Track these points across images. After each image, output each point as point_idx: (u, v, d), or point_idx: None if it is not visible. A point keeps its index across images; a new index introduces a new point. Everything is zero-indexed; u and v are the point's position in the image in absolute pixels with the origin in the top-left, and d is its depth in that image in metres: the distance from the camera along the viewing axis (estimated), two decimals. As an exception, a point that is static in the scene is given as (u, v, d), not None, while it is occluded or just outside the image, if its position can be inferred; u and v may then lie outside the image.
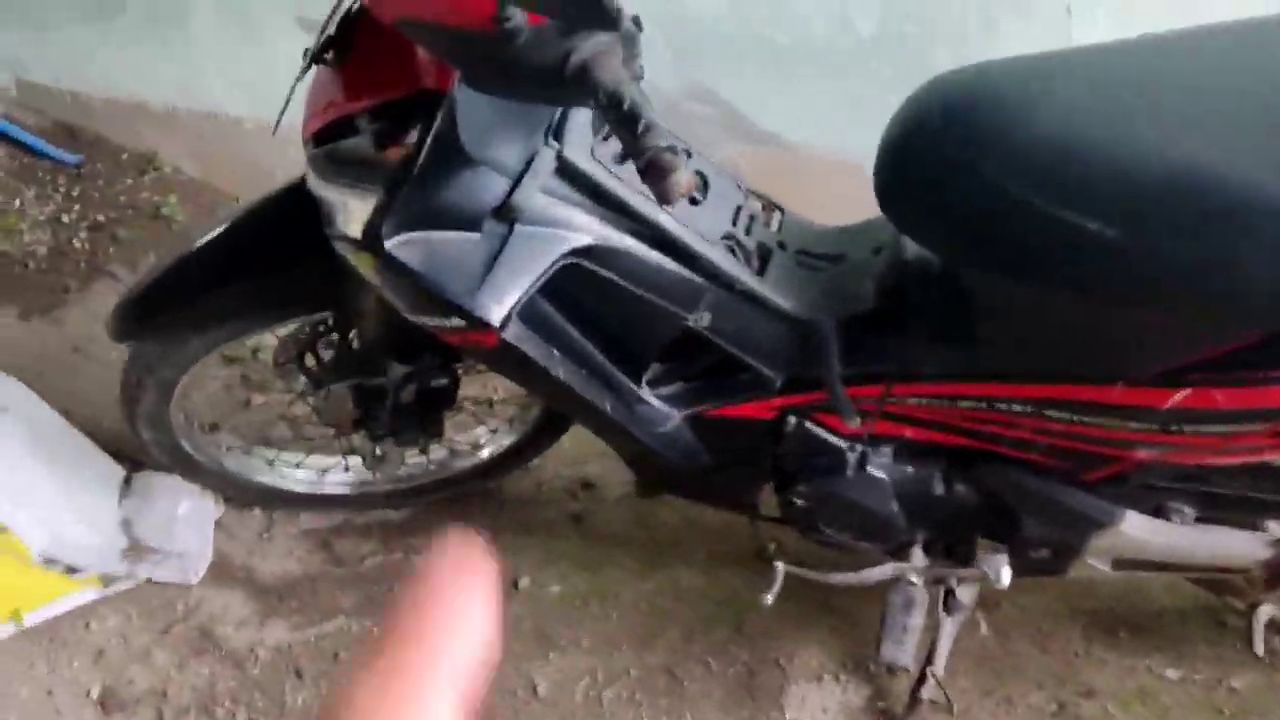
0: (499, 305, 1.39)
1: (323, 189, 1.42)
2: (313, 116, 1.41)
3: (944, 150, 1.25)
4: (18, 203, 2.69)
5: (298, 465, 2.12)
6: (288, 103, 1.37)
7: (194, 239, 1.68)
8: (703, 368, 1.60)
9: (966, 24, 2.18)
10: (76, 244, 2.64)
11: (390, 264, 1.37)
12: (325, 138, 1.41)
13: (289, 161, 2.83)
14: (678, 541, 2.10)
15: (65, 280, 2.56)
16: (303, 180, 1.62)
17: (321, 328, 1.76)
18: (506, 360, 1.48)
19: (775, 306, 1.48)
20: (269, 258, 1.63)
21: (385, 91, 1.31)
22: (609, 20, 0.90)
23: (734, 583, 2.01)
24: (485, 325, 1.39)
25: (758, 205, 1.54)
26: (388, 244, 1.35)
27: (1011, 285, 1.31)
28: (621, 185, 1.40)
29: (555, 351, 1.50)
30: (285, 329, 1.79)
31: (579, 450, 2.20)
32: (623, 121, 1.05)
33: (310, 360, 1.85)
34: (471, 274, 1.39)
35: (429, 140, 1.26)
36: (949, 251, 1.35)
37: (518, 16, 1.06)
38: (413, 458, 2.06)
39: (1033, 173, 1.19)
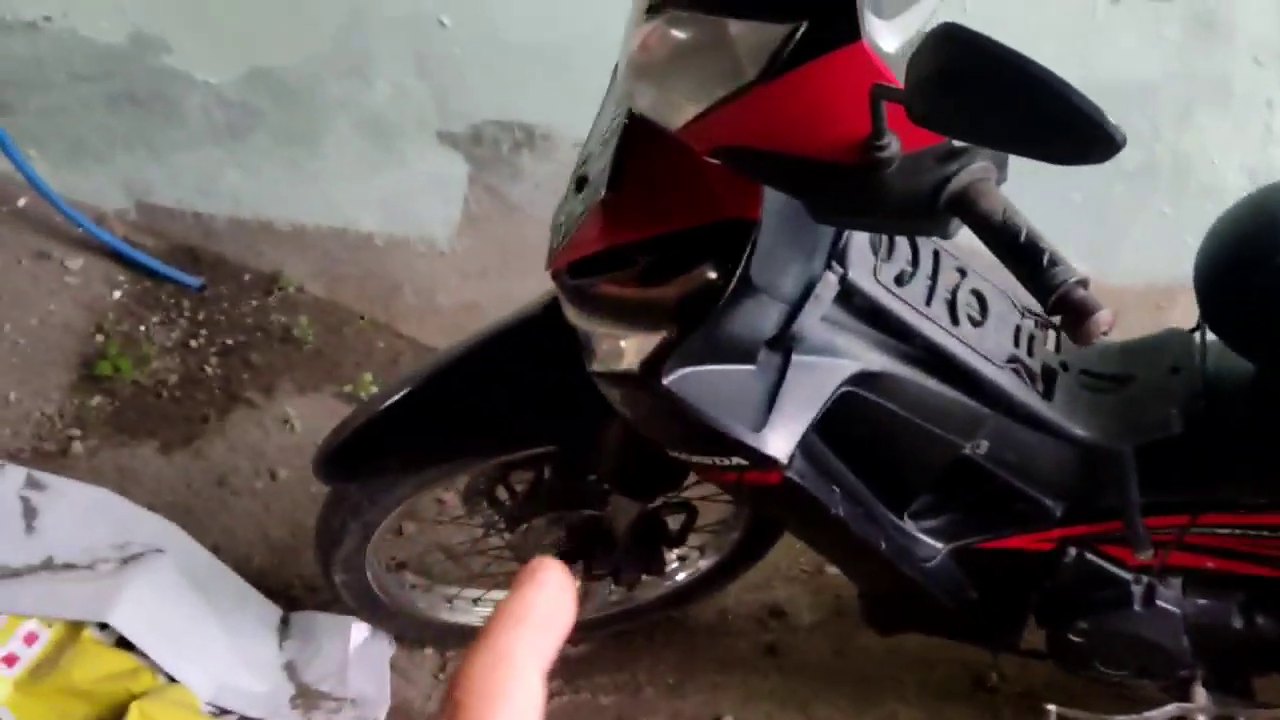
0: (784, 441, 1.29)
1: (587, 323, 1.32)
2: (571, 246, 1.31)
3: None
4: (143, 329, 2.60)
5: (476, 601, 2.00)
6: (567, 236, 1.27)
7: (408, 376, 1.59)
8: (974, 498, 1.48)
9: (1160, 116, 2.10)
10: (208, 370, 2.54)
11: (668, 401, 1.26)
12: (582, 268, 1.32)
13: (417, 275, 2.77)
14: (884, 673, 1.97)
15: (202, 409, 2.46)
16: (527, 312, 1.53)
17: (542, 463, 1.65)
18: (784, 499, 1.38)
19: (1066, 433, 1.37)
20: (499, 394, 1.53)
21: (674, 221, 1.21)
22: (1107, 147, 0.80)
23: (957, 718, 1.88)
24: (770, 463, 1.28)
25: (1033, 323, 1.45)
26: (666, 380, 1.25)
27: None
28: (907, 309, 1.30)
29: (835, 489, 1.39)
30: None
31: (761, 573, 2.08)
32: (1020, 254, 0.95)
33: (503, 493, 1.74)
34: (754, 409, 1.29)
35: (739, 273, 1.17)
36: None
37: (893, 144, 0.96)
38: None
39: None
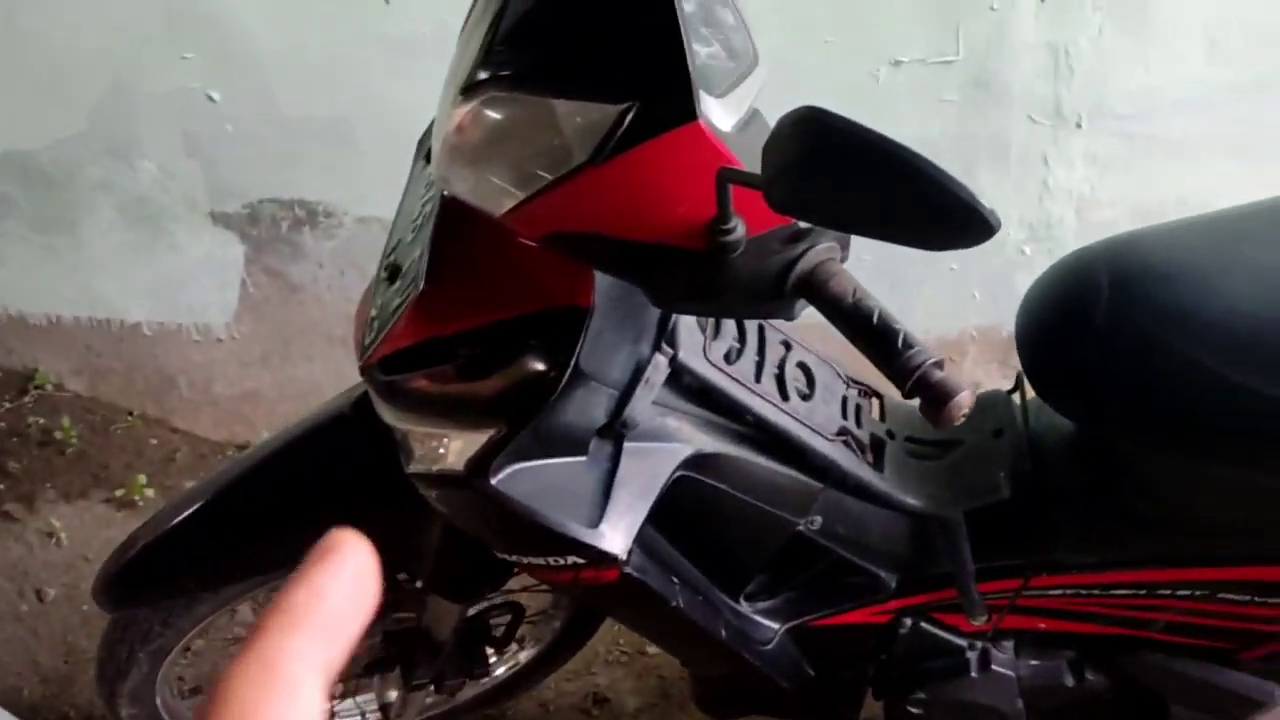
0: (622, 536, 1.22)
1: (404, 422, 1.23)
2: (385, 341, 1.21)
3: (1123, 323, 1.18)
4: (-123, 440, 2.34)
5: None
6: (380, 332, 1.18)
7: (202, 486, 1.45)
8: (809, 575, 1.45)
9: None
10: (-42, 482, 2.30)
11: (496, 501, 1.18)
12: (396, 363, 1.22)
13: (192, 365, 2.59)
14: (716, 754, 1.91)
15: (-48, 526, 2.22)
16: (332, 409, 1.43)
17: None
18: (622, 595, 1.31)
19: (897, 503, 1.36)
20: (303, 499, 1.41)
21: (498, 310, 1.13)
22: (982, 231, 0.77)
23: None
24: (608, 559, 1.22)
25: (857, 392, 1.43)
26: (495, 480, 1.17)
27: (1195, 466, 1.23)
28: (738, 387, 1.26)
29: (674, 579, 1.33)
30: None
31: (581, 659, 2.00)
32: (873, 337, 0.92)
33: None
34: (589, 503, 1.22)
35: (573, 363, 1.10)
36: (1129, 434, 1.26)
37: (739, 228, 0.92)
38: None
39: (1229, 344, 1.13)
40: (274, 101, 2.17)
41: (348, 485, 1.41)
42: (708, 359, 1.25)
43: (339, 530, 0.39)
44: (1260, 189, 2.20)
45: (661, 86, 0.92)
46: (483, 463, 1.17)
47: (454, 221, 1.13)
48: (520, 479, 1.19)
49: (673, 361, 1.21)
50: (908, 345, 0.92)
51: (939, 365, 0.92)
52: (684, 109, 0.91)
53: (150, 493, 2.34)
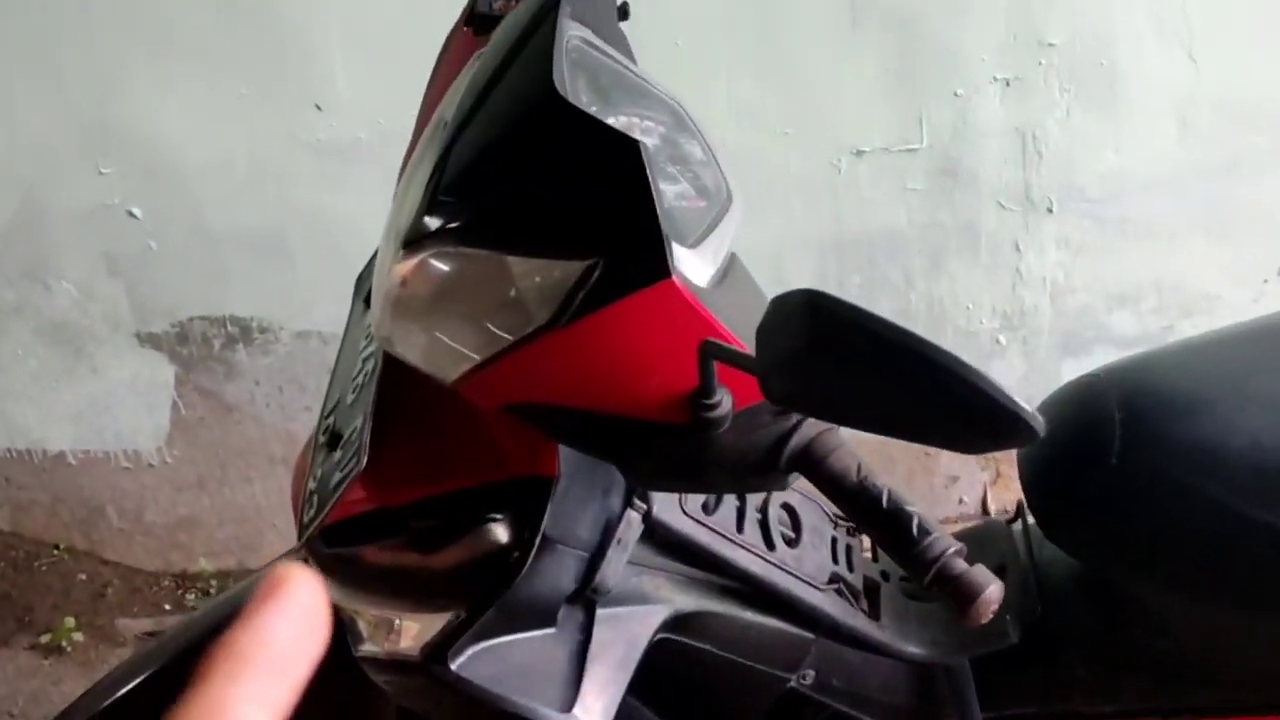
0: (599, 716, 1.09)
1: (351, 601, 1.09)
2: (330, 510, 1.08)
3: (1137, 459, 1.08)
4: None
5: None
6: (322, 508, 1.05)
7: (154, 649, 1.30)
8: (801, 733, 1.33)
9: (911, 265, 2.07)
10: None
11: (457, 687, 1.05)
12: (340, 533, 1.09)
13: (121, 493, 2.43)
14: None
15: None
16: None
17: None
18: (602, 778, 1.17)
19: (897, 652, 1.24)
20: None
21: (453, 480, 1.01)
22: (1027, 437, 0.65)
23: None
24: (584, 745, 1.09)
25: (845, 531, 1.32)
26: (455, 664, 1.04)
27: (1217, 609, 1.13)
28: (719, 540, 1.14)
29: (656, 757, 1.20)
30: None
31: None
32: (884, 521, 0.81)
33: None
34: (561, 682, 1.08)
35: (539, 537, 0.97)
36: (1146, 576, 1.16)
37: (725, 401, 0.80)
38: None
39: (1249, 480, 1.04)
40: (201, 215, 2.05)
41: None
42: (684, 511, 1.12)
43: (285, 563, 0.38)
44: (1234, 270, 2.16)
45: (627, 240, 0.80)
46: (441, 648, 1.04)
47: (399, 380, 1.01)
48: (483, 661, 1.05)
49: (646, 517, 1.08)
50: (924, 532, 0.81)
51: (961, 555, 0.81)
52: (654, 265, 0.80)
53: (79, 636, 2.18)
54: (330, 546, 1.08)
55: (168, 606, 2.30)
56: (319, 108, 1.94)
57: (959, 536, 1.28)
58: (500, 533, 1.00)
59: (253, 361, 2.22)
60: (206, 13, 1.88)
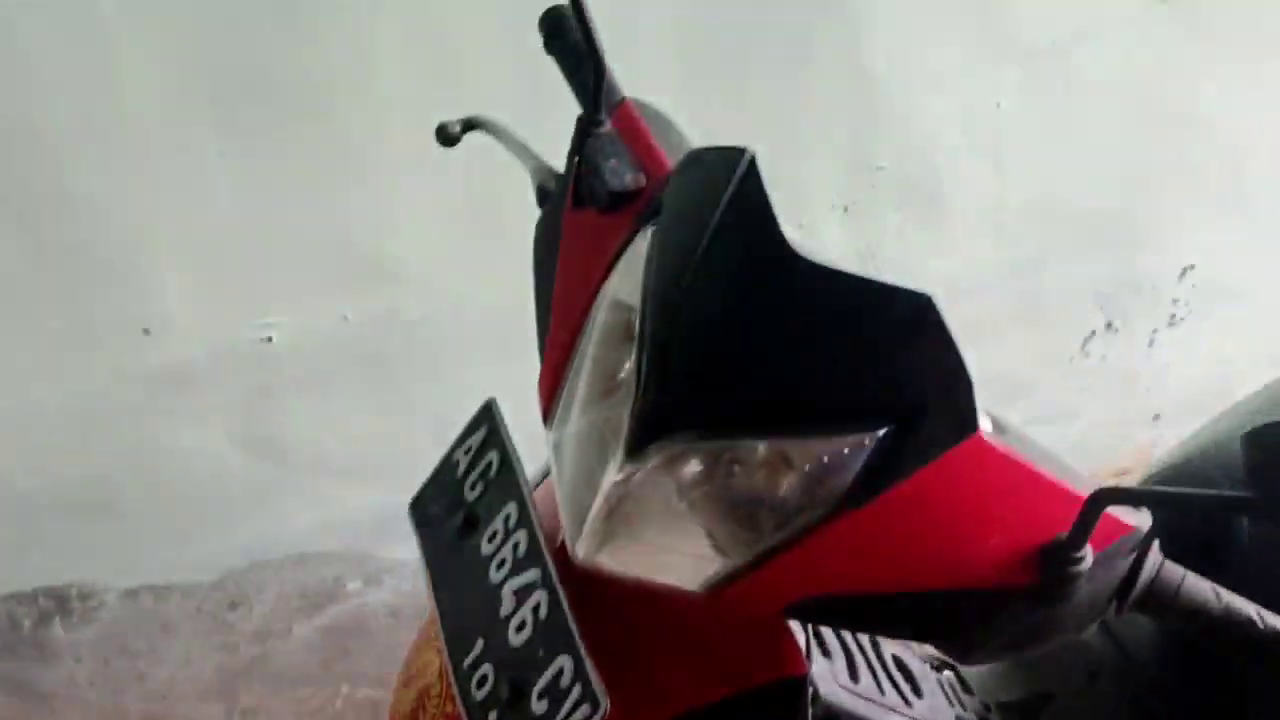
0: None
1: None
2: None
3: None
4: None
5: None
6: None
7: None
8: None
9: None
10: None
11: None
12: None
13: None
14: None
15: None
16: None
17: None
18: None
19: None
20: None
21: (693, 698, 0.88)
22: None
23: None
24: None
25: (935, 667, 1.27)
26: None
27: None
28: (874, 709, 1.07)
29: None
30: None
31: None
32: (1267, 641, 0.77)
33: None
34: None
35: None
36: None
37: (1088, 551, 0.74)
38: None
39: None
40: (7, 475, 1.75)
41: None
42: (839, 684, 1.05)
43: None
44: (1047, 351, 2.33)
45: (930, 400, 0.74)
46: None
47: (590, 606, 0.88)
48: None
49: (814, 701, 1.00)
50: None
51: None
52: (962, 421, 0.74)
53: None
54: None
55: None
56: (147, 331, 1.72)
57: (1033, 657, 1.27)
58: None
59: (74, 635, 1.90)
60: (5, 248, 1.63)
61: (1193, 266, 2.38)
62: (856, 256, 2.03)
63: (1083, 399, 2.44)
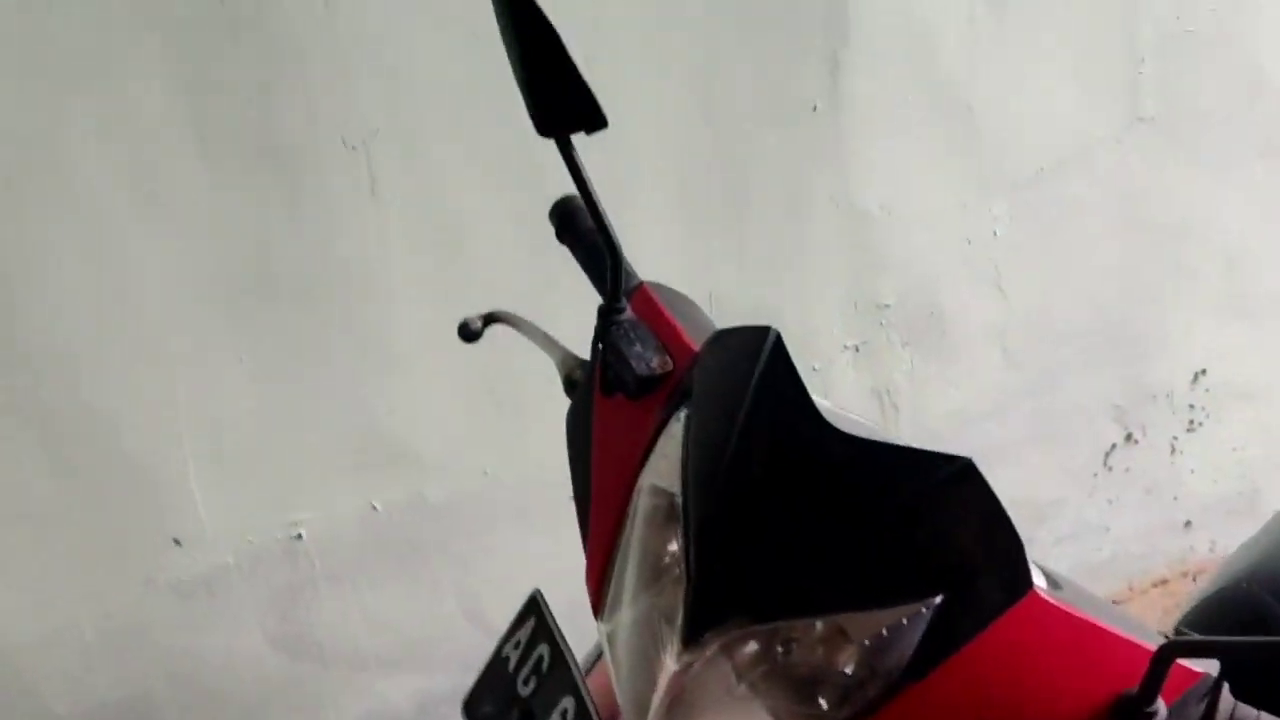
0: None
1: None
2: None
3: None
4: None
5: None
6: None
7: None
8: None
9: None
10: None
11: None
12: None
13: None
14: None
15: None
16: None
17: None
18: None
19: None
20: None
21: None
22: None
23: None
24: None
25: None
26: None
27: None
28: None
29: None
30: None
31: None
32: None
33: None
34: None
35: None
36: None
37: (1160, 704, 0.74)
38: None
39: None
40: (45, 702, 1.73)
41: None
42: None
43: None
44: (1069, 468, 2.33)
45: (983, 563, 0.75)
46: None
47: None
48: None
49: None
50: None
51: None
52: (1015, 582, 0.74)
53: None
54: None
55: None
56: (178, 542, 1.72)
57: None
58: None
59: None
60: (31, 469, 1.64)
61: (1204, 371, 2.39)
62: (873, 395, 2.04)
63: (1110, 513, 2.43)
